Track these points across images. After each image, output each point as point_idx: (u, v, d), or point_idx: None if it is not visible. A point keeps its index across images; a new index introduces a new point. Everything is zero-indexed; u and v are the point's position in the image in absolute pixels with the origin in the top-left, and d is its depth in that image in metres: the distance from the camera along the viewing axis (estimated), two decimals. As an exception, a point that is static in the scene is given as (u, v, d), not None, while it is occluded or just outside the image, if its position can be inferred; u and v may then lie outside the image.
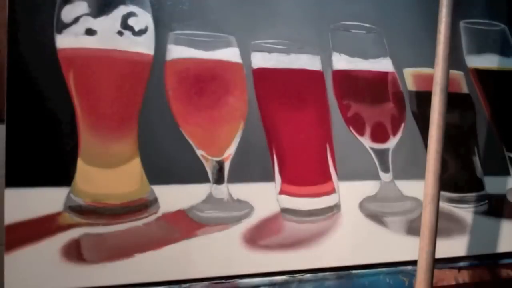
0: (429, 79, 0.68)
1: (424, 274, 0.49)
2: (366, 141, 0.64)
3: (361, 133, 0.64)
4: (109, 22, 0.55)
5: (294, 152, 0.60)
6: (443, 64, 0.53)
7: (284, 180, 0.59)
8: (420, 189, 0.66)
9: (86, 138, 0.53)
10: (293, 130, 0.61)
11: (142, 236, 0.52)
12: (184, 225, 0.54)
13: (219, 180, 0.57)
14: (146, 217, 0.53)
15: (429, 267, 0.49)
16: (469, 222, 0.66)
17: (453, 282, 0.62)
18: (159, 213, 0.54)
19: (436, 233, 0.50)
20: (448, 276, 0.62)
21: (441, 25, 0.54)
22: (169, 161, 0.55)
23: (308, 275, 0.57)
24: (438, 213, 0.52)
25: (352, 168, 0.62)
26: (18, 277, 0.48)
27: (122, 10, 0.56)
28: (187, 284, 0.53)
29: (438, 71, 0.53)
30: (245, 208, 0.57)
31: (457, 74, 0.72)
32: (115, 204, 0.52)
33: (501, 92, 0.74)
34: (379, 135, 0.65)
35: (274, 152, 0.60)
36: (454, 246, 0.62)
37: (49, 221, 0.50)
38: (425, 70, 0.68)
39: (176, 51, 0.57)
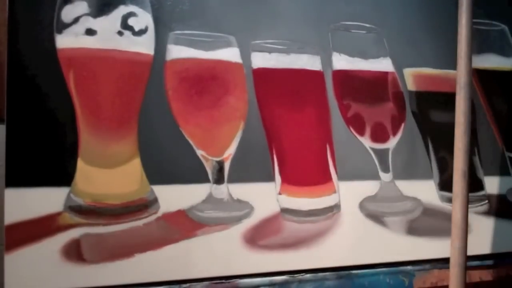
0: (429, 79, 0.69)
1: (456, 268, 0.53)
2: (366, 141, 0.64)
3: (361, 133, 0.64)
4: (109, 22, 0.55)
5: (294, 152, 0.60)
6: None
7: (284, 180, 0.59)
8: (420, 189, 0.66)
9: (86, 138, 0.53)
10: (293, 130, 0.61)
11: (142, 236, 0.52)
12: (184, 225, 0.54)
13: (219, 180, 0.57)
14: (146, 217, 0.53)
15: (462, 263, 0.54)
16: (469, 222, 0.66)
17: (453, 282, 0.62)
18: (159, 213, 0.54)
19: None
20: (449, 276, 0.62)
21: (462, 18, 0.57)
22: (169, 161, 0.55)
23: (308, 275, 0.57)
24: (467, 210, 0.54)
25: (352, 168, 0.62)
26: (18, 277, 0.48)
27: (122, 10, 0.56)
28: (187, 284, 0.53)
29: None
30: (245, 208, 0.57)
31: (457, 74, 0.72)
32: (115, 204, 0.52)
33: (501, 92, 0.74)
34: (379, 135, 0.65)
35: (274, 152, 0.59)
36: (454, 246, 0.62)
37: (49, 221, 0.50)
38: (425, 70, 0.68)
39: (176, 51, 0.57)
